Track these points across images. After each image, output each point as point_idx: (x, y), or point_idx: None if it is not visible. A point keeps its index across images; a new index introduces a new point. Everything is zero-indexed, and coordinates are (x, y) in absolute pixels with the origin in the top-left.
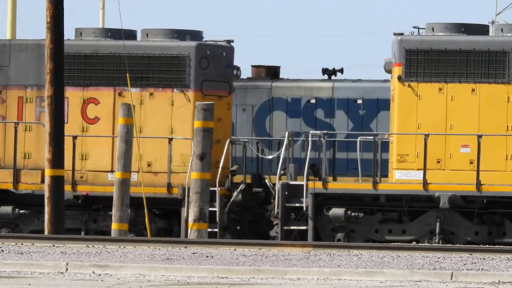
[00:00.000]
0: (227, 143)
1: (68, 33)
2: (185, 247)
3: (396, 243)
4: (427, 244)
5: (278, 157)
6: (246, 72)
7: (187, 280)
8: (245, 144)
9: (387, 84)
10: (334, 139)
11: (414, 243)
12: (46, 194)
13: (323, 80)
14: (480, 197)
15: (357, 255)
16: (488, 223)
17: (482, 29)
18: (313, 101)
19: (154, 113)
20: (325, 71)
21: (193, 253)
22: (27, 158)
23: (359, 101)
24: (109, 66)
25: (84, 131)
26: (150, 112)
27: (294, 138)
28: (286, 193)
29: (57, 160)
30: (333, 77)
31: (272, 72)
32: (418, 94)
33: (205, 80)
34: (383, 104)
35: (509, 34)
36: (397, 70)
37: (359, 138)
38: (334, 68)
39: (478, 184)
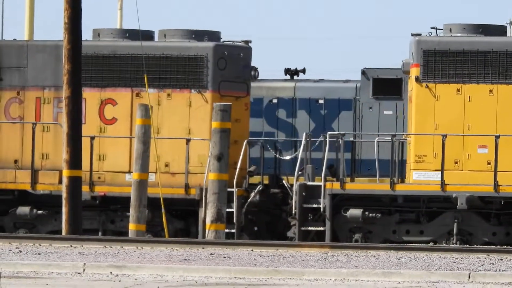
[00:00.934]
0: (244, 143)
1: (86, 34)
2: (203, 248)
3: (413, 244)
4: (444, 245)
5: (296, 158)
6: None
7: (205, 280)
8: (263, 145)
9: (348, 84)
10: (352, 139)
11: (431, 244)
12: (64, 195)
13: (285, 80)
14: (498, 198)
15: (374, 256)
16: (505, 223)
17: (500, 30)
18: (275, 101)
19: (171, 114)
20: (287, 71)
21: (211, 253)
22: (45, 159)
23: (321, 101)
24: (126, 67)
25: (102, 132)
26: (167, 113)
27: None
28: (304, 193)
29: (74, 160)
30: (295, 77)
31: None
32: (436, 95)
33: (223, 81)
34: (344, 104)
35: None
36: (415, 71)
37: (376, 139)
38: (296, 68)
39: (496, 185)
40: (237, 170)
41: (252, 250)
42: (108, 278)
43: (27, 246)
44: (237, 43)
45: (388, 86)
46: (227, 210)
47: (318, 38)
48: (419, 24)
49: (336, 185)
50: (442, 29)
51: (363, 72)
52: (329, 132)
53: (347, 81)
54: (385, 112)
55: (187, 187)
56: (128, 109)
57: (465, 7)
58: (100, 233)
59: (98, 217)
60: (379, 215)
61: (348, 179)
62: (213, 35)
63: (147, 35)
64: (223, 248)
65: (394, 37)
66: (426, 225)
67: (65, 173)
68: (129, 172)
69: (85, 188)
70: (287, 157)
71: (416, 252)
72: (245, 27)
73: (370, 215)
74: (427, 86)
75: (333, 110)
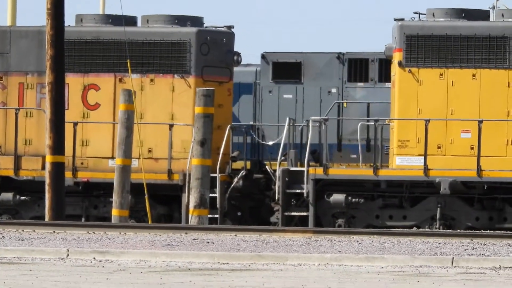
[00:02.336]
0: (227, 129)
1: (69, 20)
2: (186, 233)
3: (397, 229)
4: (427, 229)
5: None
6: None
7: (188, 266)
8: (246, 130)
9: (249, 68)
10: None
11: (414, 228)
12: (47, 181)
13: None
14: (481, 183)
15: (357, 241)
16: (488, 208)
17: (482, 15)
18: None
19: (154, 99)
20: None
21: (194, 239)
22: (28, 145)
23: None
24: (109, 52)
25: (85, 118)
26: (150, 98)
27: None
28: (287, 179)
29: (57, 146)
30: None
31: None
32: (419, 79)
33: (206, 66)
34: (244, 88)
35: (509, 20)
36: (398, 56)
37: (359, 124)
38: None
39: (479, 170)
40: (220, 155)
41: (236, 235)
42: (91, 263)
43: (10, 232)
44: (220, 29)
45: (287, 70)
46: (210, 195)
47: (296, 22)
48: (402, 9)
49: (319, 171)
50: (425, 14)
51: (263, 56)
52: (312, 117)
53: (247, 65)
54: (285, 96)
55: (170, 172)
56: (111, 94)
57: None
58: (83, 219)
59: (81, 203)
60: (362, 200)
61: (331, 164)
62: (196, 21)
63: (130, 21)
64: (206, 233)
65: (376, 22)
66: (409, 210)
67: (48, 158)
68: (112, 157)
69: (68, 174)
70: (270, 143)
71: (399, 237)
72: (228, 12)
73: (353, 200)
74: (410, 71)
75: (234, 94)
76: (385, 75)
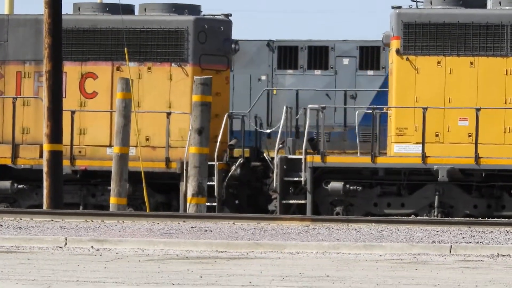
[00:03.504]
0: (225, 117)
1: (66, 8)
2: (184, 222)
3: (395, 217)
4: (426, 217)
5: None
6: None
7: (186, 254)
8: (243, 118)
9: None
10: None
11: (413, 216)
12: (45, 169)
13: None
14: (479, 170)
15: (355, 229)
16: (486, 196)
17: (480, 2)
18: None
19: (152, 88)
20: None
21: (192, 227)
22: (25, 133)
23: None
24: (107, 41)
25: (82, 106)
26: (148, 86)
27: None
28: (285, 167)
29: (55, 134)
30: None
31: None
32: (417, 67)
33: (203, 54)
34: None
35: (507, 7)
36: (395, 44)
37: (357, 112)
38: None
39: (477, 157)
40: (218, 143)
41: (234, 224)
42: (89, 252)
43: (8, 220)
44: (218, 17)
45: None
46: (208, 183)
47: (297, 11)
48: None
49: (317, 158)
50: (422, 2)
51: None
52: (309, 106)
53: None
54: None
55: (168, 160)
56: (108, 83)
57: None
58: (81, 207)
59: (79, 191)
60: (360, 188)
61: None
62: (194, 9)
63: (128, 9)
64: (204, 221)
65: (374, 10)
66: (407, 198)
67: (46, 147)
68: (110, 146)
69: (66, 162)
70: (268, 131)
71: (398, 225)
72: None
73: (351, 188)
74: (407, 59)
75: None
76: (314, 63)
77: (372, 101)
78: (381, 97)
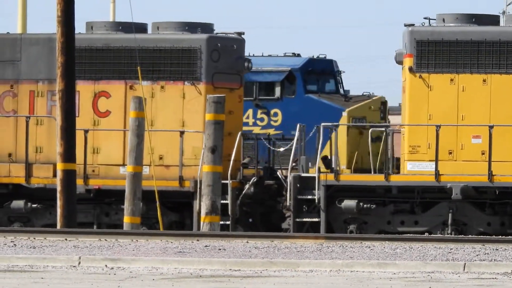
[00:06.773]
0: (238, 135)
1: (79, 27)
2: (198, 240)
3: (408, 235)
4: (439, 235)
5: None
6: None
7: (200, 273)
8: (257, 137)
9: None
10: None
11: (426, 234)
12: (58, 188)
13: None
14: (492, 188)
15: (369, 247)
16: (500, 213)
17: (493, 20)
18: None
19: (165, 106)
20: None
21: (206, 246)
22: (39, 152)
23: None
24: (120, 60)
25: (96, 125)
26: (161, 105)
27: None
28: (298, 185)
29: (68, 154)
30: None
31: None
32: (430, 85)
33: (216, 73)
34: None
35: None
36: (408, 61)
37: (370, 130)
38: None
39: (490, 175)
40: (231, 162)
41: (247, 242)
42: (103, 271)
43: (21, 239)
44: (230, 35)
45: None
46: (222, 202)
47: (310, 27)
48: (412, 14)
49: (331, 176)
50: (435, 19)
51: None
52: (323, 124)
53: None
54: None
55: (181, 179)
56: (121, 101)
57: None
58: (95, 226)
59: (92, 210)
60: (374, 206)
61: (343, 170)
62: (206, 27)
63: (140, 28)
64: (218, 240)
65: (387, 27)
66: (420, 216)
67: (59, 166)
68: (123, 165)
69: (79, 181)
70: (281, 149)
71: (411, 243)
72: (238, 18)
73: (365, 206)
74: (420, 76)
75: None
76: None
77: None
78: None
